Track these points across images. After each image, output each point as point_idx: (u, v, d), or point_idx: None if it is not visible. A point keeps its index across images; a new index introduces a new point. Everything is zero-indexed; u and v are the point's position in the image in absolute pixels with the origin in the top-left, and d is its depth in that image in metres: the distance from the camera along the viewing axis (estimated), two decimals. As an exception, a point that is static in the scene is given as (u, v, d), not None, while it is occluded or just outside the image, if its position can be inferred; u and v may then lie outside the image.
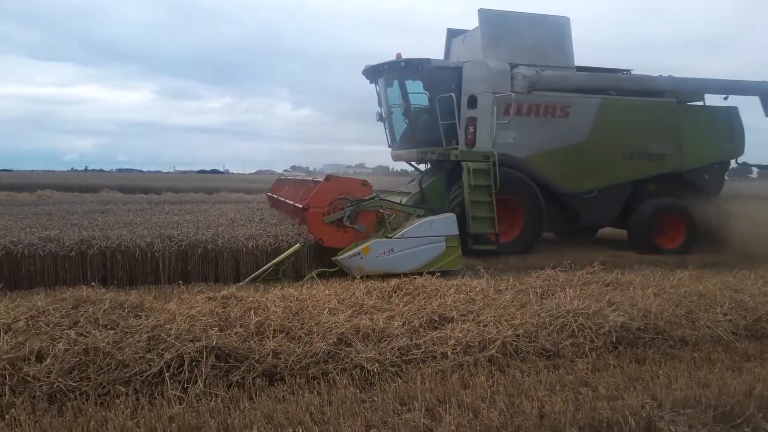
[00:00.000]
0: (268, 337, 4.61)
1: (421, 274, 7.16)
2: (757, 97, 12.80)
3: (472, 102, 10.91)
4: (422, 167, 12.91)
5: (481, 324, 5.09)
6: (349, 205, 8.38)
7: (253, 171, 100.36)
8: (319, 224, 8.33)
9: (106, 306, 4.95)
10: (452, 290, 6.05)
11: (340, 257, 7.96)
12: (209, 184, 35.53)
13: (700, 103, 12.69)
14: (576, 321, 5.14)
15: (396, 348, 4.57)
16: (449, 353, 4.57)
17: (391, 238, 8.13)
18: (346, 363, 4.35)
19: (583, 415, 3.62)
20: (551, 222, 11.62)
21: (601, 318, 5.22)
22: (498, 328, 4.99)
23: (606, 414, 3.59)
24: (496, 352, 4.65)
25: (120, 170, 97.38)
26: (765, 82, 12.84)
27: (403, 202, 11.18)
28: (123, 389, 3.85)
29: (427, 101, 11.18)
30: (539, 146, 11.20)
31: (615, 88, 11.92)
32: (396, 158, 12.75)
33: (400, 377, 4.26)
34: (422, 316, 5.21)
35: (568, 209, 11.74)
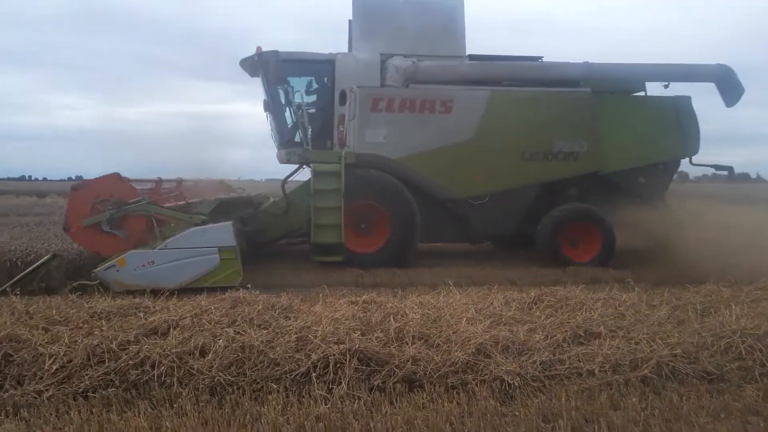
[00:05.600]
0: (407, 343, 4.66)
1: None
2: (712, 84, 10.49)
3: (342, 98, 9.96)
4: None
5: (633, 341, 4.76)
6: (109, 208, 7.60)
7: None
8: (87, 240, 7.67)
9: (260, 307, 5.32)
10: (599, 304, 5.71)
11: (98, 269, 7.18)
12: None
13: (641, 93, 10.70)
14: (744, 342, 4.64)
15: (538, 362, 4.41)
16: (596, 371, 4.32)
17: (154, 249, 7.30)
18: (486, 374, 4.27)
19: (754, 448, 3.24)
20: (439, 231, 10.29)
21: (775, 340, 4.65)
22: (652, 346, 4.64)
23: (783, 450, 3.18)
24: (650, 372, 4.31)
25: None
26: (718, 66, 10.47)
27: (263, 208, 10.27)
28: (274, 386, 4.09)
29: (281, 96, 10.37)
30: (415, 146, 9.76)
31: (512, 78, 10.25)
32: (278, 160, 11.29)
33: (543, 393, 4.10)
34: (566, 330, 4.98)
35: (455, 217, 10.25)
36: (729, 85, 10.41)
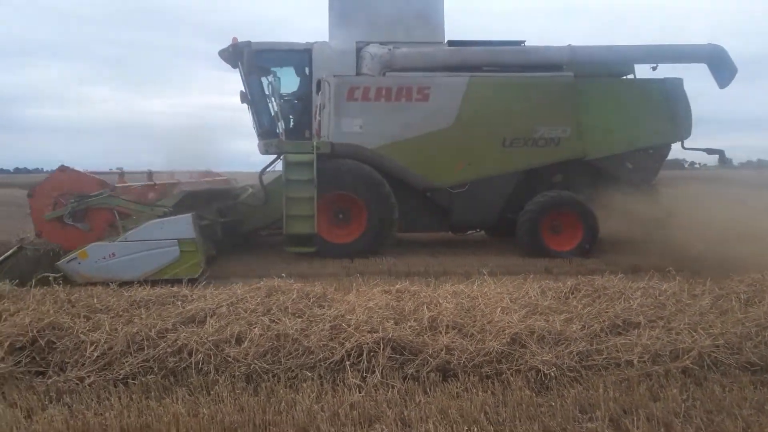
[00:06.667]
0: (440, 333, 4.63)
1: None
2: (704, 65, 10.04)
3: (318, 87, 9.73)
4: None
5: (673, 331, 4.64)
6: (72, 201, 7.65)
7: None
8: (53, 233, 7.75)
9: (294, 296, 5.36)
10: (638, 293, 5.57)
11: (60, 261, 7.19)
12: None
13: (630, 76, 10.27)
14: (790, 333, 4.47)
15: (575, 352, 4.33)
16: (635, 361, 4.23)
17: (114, 241, 7.33)
18: (521, 364, 4.22)
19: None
20: (419, 221, 10.09)
21: (825, 331, 4.47)
22: (693, 336, 4.51)
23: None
24: (691, 363, 4.21)
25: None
26: (710, 45, 10.02)
27: (241, 199, 10.22)
28: (309, 374, 4.12)
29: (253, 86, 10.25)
30: (392, 135, 9.54)
31: (492, 64, 9.88)
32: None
33: (580, 383, 4.03)
34: (604, 320, 4.87)
35: (436, 206, 10.04)
36: (721, 66, 10.01)
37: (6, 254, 7.65)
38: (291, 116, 10.56)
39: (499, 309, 5.10)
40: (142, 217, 7.79)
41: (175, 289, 5.93)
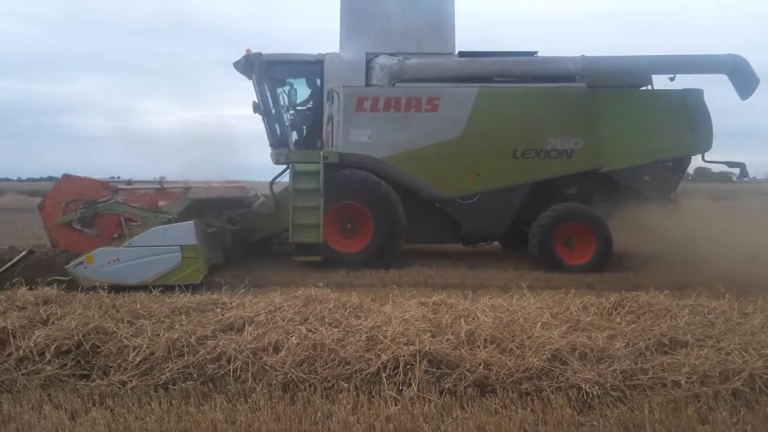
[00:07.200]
0: (478, 347, 4.56)
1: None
2: (724, 75, 9.70)
3: (330, 98, 9.76)
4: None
5: (723, 351, 4.45)
6: (82, 207, 7.93)
7: None
8: (63, 237, 8.04)
9: (331, 305, 5.35)
10: (686, 311, 5.37)
11: (68, 265, 7.45)
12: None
13: (647, 87, 10.03)
14: None
15: (618, 371, 4.19)
16: (683, 382, 4.07)
17: (119, 246, 7.54)
18: (562, 382, 4.11)
19: None
20: (428, 232, 9.97)
21: None
22: (744, 357, 4.32)
23: None
24: (742, 384, 4.03)
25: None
26: (730, 56, 9.70)
27: (253, 208, 10.29)
28: (345, 385, 4.10)
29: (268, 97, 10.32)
30: (401, 145, 9.58)
31: (503, 74, 9.79)
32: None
33: (624, 403, 3.91)
34: (649, 338, 4.72)
35: (445, 217, 9.90)
36: (742, 77, 9.74)
37: (16, 258, 7.95)
38: (302, 126, 10.71)
39: (539, 324, 4.98)
40: (147, 223, 8.03)
41: (214, 296, 6.00)
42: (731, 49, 10.10)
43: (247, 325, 4.94)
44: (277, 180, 10.03)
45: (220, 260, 9.02)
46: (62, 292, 6.17)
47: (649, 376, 4.18)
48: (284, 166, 10.19)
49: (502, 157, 9.70)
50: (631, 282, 8.12)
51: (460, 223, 9.93)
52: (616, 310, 5.59)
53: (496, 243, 11.37)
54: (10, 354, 4.52)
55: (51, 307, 5.48)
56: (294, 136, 10.49)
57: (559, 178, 9.84)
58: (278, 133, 10.56)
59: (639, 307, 5.57)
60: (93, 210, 8.07)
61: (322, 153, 9.49)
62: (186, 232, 7.71)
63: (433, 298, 5.84)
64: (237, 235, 9.79)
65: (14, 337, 4.70)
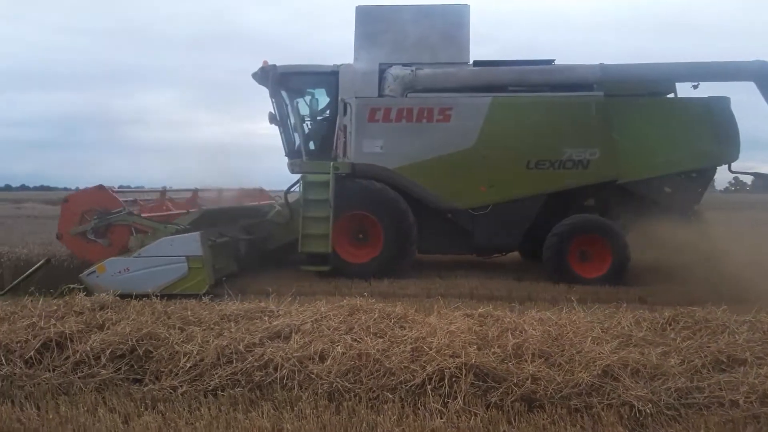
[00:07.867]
0: (526, 361, 4.47)
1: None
2: (752, 82, 9.15)
3: (343, 108, 9.74)
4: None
5: (785, 370, 4.24)
6: (95, 218, 8.18)
7: None
8: (78, 247, 8.35)
9: (376, 315, 5.36)
10: (744, 327, 5.15)
11: (82, 274, 7.70)
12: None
13: (670, 95, 9.64)
14: None
15: (673, 389, 4.05)
16: (741, 401, 3.89)
17: (128, 256, 7.82)
18: (613, 398, 3.99)
19: None
20: (440, 243, 9.89)
21: None
22: (809, 377, 4.10)
23: None
24: (806, 406, 3.82)
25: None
26: (758, 62, 9.15)
27: (268, 217, 10.33)
28: (390, 396, 4.09)
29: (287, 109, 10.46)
30: (413, 155, 9.51)
31: (518, 83, 9.61)
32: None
33: (678, 422, 3.77)
34: (705, 355, 4.54)
35: (458, 227, 9.71)
36: None
37: (34, 267, 8.28)
38: (317, 137, 10.81)
39: (590, 339, 4.86)
40: (157, 233, 8.27)
41: (262, 304, 6.10)
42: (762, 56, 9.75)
43: (293, 333, 5.00)
44: (293, 190, 10.20)
45: (234, 268, 9.25)
46: (118, 298, 6.39)
47: (705, 394, 4.01)
48: (299, 176, 10.31)
49: (515, 168, 9.55)
50: (687, 296, 7.82)
51: (472, 234, 9.83)
52: (670, 325, 5.41)
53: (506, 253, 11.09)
54: (67, 358, 4.71)
55: (107, 313, 5.69)
56: (310, 146, 10.61)
57: (576, 189, 9.62)
58: (294, 143, 10.73)
59: (695, 323, 5.37)
60: (106, 221, 8.37)
61: (332, 164, 9.60)
62: (192, 242, 7.93)
63: (479, 310, 5.76)
64: (252, 244, 10.05)
65: (72, 341, 4.90)
